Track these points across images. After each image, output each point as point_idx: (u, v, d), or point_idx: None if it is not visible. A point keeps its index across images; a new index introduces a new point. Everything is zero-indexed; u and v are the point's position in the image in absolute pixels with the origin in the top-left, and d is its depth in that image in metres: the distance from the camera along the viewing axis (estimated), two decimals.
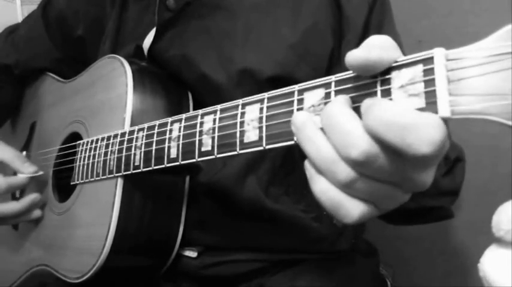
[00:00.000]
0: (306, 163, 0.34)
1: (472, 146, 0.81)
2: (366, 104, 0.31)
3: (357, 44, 0.32)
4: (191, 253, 0.64)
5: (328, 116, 0.32)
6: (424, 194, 0.53)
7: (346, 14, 0.61)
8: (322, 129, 0.33)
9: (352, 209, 0.32)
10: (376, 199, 0.33)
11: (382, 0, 0.63)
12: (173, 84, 0.64)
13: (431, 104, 0.29)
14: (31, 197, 0.69)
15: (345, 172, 0.31)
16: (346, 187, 0.32)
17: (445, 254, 0.95)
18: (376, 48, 0.31)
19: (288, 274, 0.64)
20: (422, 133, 0.28)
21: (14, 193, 0.75)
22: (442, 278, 0.95)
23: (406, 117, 0.29)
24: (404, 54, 0.32)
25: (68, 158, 0.68)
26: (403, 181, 0.32)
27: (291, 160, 0.63)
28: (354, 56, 0.31)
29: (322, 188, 0.33)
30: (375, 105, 0.30)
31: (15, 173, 0.70)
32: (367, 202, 0.33)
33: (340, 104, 0.32)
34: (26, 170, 0.69)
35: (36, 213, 0.70)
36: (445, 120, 0.29)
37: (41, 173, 0.71)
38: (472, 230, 0.87)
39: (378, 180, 0.31)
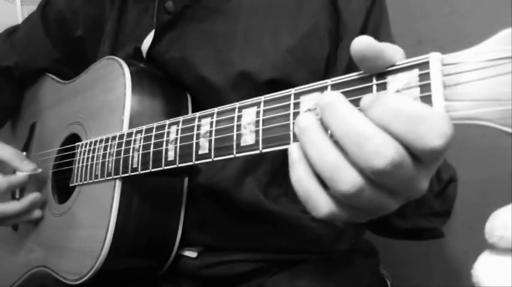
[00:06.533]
0: (290, 148, 0.33)
1: (470, 147, 0.81)
2: (368, 99, 0.29)
3: None
4: (191, 253, 0.64)
5: (340, 121, 0.29)
6: (418, 215, 0.53)
7: (343, 18, 0.61)
8: (328, 132, 0.31)
9: (322, 206, 0.32)
10: (365, 208, 0.31)
11: (380, 6, 0.63)
12: (172, 86, 0.64)
13: None
14: (31, 196, 0.69)
15: (350, 182, 0.29)
16: (348, 199, 0.30)
17: (443, 256, 0.95)
18: (382, 44, 0.31)
19: (288, 274, 0.64)
20: (434, 124, 0.27)
21: (14, 193, 0.75)
22: (440, 280, 0.95)
23: (416, 107, 0.27)
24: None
25: (67, 160, 0.68)
26: (404, 188, 0.30)
27: None
28: (361, 39, 0.30)
29: (300, 176, 0.32)
30: (381, 97, 0.28)
31: (14, 172, 0.70)
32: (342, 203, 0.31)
33: (350, 106, 0.30)
34: (25, 168, 0.69)
35: (37, 213, 0.70)
36: None
37: (40, 170, 0.71)
38: (470, 232, 0.86)
39: (384, 188, 0.30)
